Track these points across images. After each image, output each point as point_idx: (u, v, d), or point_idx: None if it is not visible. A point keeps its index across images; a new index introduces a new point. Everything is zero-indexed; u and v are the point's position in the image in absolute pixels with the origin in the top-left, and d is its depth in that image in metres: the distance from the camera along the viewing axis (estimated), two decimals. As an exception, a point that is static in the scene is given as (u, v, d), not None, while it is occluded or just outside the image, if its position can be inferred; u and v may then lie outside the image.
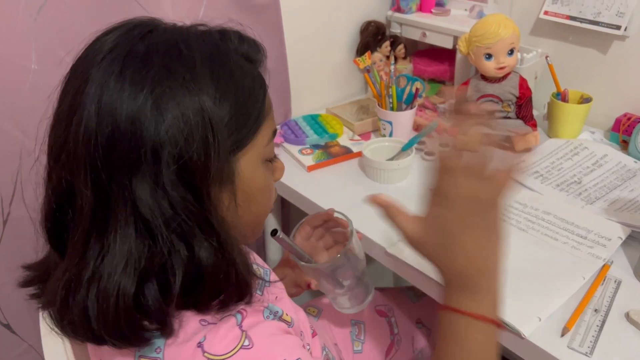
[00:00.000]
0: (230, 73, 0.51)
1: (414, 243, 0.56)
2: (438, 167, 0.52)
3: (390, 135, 1.12)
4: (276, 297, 0.64)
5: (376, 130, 1.20)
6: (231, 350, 0.47)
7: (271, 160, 0.59)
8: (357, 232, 0.77)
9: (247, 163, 0.53)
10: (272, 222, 1.25)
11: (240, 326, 0.50)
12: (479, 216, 0.51)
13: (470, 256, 0.52)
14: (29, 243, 0.91)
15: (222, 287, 0.49)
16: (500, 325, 0.54)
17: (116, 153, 0.45)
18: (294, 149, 1.12)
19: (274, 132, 0.58)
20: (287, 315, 0.58)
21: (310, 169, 1.07)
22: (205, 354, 0.47)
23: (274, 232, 0.68)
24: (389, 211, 0.58)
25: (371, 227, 0.88)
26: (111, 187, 0.45)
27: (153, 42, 0.48)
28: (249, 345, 0.48)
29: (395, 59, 1.35)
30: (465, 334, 0.53)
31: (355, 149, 1.11)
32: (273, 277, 0.71)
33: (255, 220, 0.60)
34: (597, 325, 0.68)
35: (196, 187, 0.47)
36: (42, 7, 0.81)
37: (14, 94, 0.83)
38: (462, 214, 0.51)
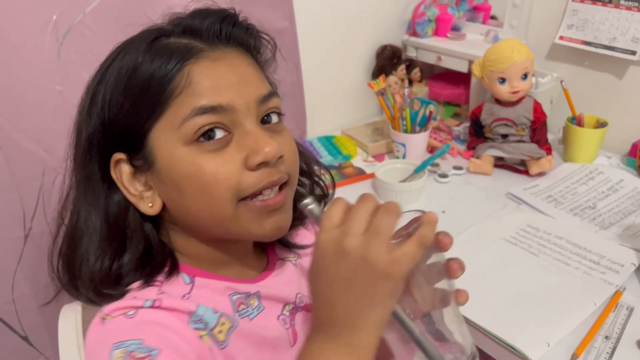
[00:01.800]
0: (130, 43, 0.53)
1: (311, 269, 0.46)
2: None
3: (404, 157, 1.13)
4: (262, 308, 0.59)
5: (390, 152, 1.21)
6: (115, 310, 0.50)
7: (211, 140, 0.50)
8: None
9: (160, 145, 0.51)
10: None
11: (141, 301, 0.50)
12: (367, 282, 0.42)
13: (343, 310, 0.44)
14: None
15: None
16: None
17: None
18: (308, 169, 1.14)
19: (202, 110, 0.50)
20: (221, 334, 0.53)
21: (324, 189, 1.08)
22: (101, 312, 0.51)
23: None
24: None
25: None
26: None
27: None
28: (131, 315, 0.49)
29: (411, 82, 1.37)
30: None
31: (368, 170, 1.12)
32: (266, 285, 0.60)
33: (199, 213, 0.53)
34: (607, 353, 0.67)
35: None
36: (68, 32, 0.85)
37: (38, 114, 0.87)
38: (349, 272, 0.42)
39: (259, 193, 0.53)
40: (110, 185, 0.54)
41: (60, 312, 1.01)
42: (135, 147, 0.52)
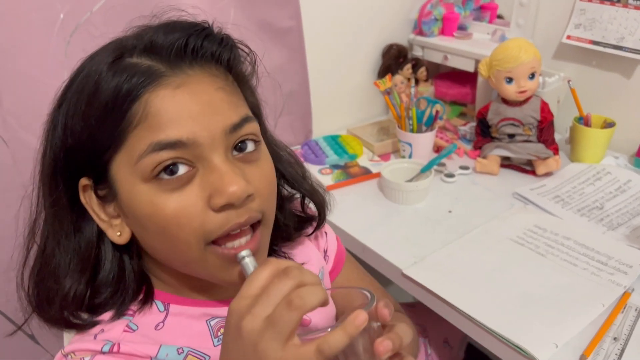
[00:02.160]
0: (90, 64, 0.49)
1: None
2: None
3: (410, 156, 1.12)
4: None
5: (396, 152, 1.21)
6: (76, 351, 0.50)
7: (171, 177, 0.46)
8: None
9: (120, 178, 0.48)
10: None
11: (100, 344, 0.49)
12: None
13: None
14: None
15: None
16: None
17: None
18: (314, 168, 1.14)
19: (160, 146, 0.45)
20: None
21: (329, 188, 1.07)
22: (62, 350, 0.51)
23: None
24: None
25: (387, 247, 0.89)
26: None
27: None
28: None
29: (417, 81, 1.36)
30: None
31: (374, 170, 1.12)
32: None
33: (165, 253, 0.51)
34: (616, 354, 0.66)
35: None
36: (74, 31, 0.85)
37: (45, 111, 0.87)
38: (240, 356, 0.40)
39: (227, 235, 0.48)
40: (80, 210, 0.51)
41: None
42: (99, 176, 0.49)
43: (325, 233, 0.74)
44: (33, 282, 0.53)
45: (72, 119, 0.48)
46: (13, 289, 0.93)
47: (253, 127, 0.50)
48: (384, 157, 1.20)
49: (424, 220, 0.97)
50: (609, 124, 1.10)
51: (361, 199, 1.05)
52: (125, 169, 0.47)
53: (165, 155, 0.45)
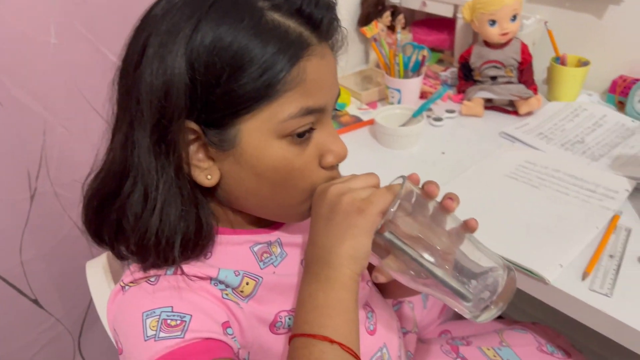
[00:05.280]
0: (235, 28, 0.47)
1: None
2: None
3: (399, 102, 1.15)
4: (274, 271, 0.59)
5: (382, 99, 1.23)
6: (137, 279, 0.52)
7: (302, 138, 0.51)
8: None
9: (251, 132, 0.49)
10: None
11: (163, 270, 0.52)
12: (343, 216, 0.51)
13: (321, 246, 0.52)
14: (55, 218, 0.92)
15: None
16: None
17: None
18: (306, 119, 1.14)
19: (308, 110, 0.50)
20: (243, 293, 0.55)
21: (324, 137, 1.09)
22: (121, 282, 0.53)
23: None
24: None
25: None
26: None
27: None
28: (154, 282, 0.51)
29: (395, 28, 1.37)
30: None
31: (365, 118, 1.14)
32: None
33: (276, 203, 0.55)
34: (614, 269, 0.73)
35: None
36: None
37: (34, 68, 0.83)
38: (329, 209, 0.52)
39: None
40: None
41: (70, 273, 1.00)
42: (218, 124, 0.49)
43: None
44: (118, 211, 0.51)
45: (209, 61, 0.46)
46: (16, 254, 0.92)
47: None
48: (371, 105, 1.21)
49: (420, 163, 1.00)
50: (583, 63, 1.15)
51: (355, 146, 1.07)
52: (261, 123, 0.49)
53: (308, 120, 0.51)
